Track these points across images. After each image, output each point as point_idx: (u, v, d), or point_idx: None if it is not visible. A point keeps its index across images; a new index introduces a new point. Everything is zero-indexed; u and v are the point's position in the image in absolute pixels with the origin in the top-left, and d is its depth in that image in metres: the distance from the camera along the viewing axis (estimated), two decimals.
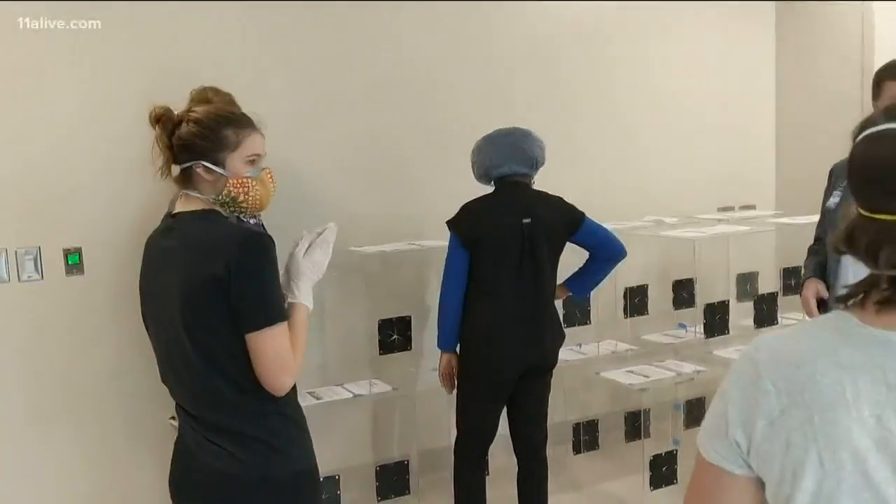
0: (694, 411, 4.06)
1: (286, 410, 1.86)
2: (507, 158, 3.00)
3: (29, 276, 3.15)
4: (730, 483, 1.04)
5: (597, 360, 3.91)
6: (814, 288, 2.75)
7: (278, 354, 1.76)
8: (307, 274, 1.91)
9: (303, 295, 1.88)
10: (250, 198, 1.88)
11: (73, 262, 3.22)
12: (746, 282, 4.18)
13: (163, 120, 1.87)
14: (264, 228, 3.15)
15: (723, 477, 1.04)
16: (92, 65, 3.20)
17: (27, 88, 3.10)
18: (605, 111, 4.37)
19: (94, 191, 3.22)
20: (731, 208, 4.70)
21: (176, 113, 1.89)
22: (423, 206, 3.77)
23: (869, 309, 0.98)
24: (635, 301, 3.96)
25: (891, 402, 0.92)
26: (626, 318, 3.99)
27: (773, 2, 4.91)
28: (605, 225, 3.25)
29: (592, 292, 3.91)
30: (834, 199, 2.81)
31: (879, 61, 4.31)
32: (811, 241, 2.99)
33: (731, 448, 1.03)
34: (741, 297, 4.14)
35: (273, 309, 1.75)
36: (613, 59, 4.38)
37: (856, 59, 4.34)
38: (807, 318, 2.73)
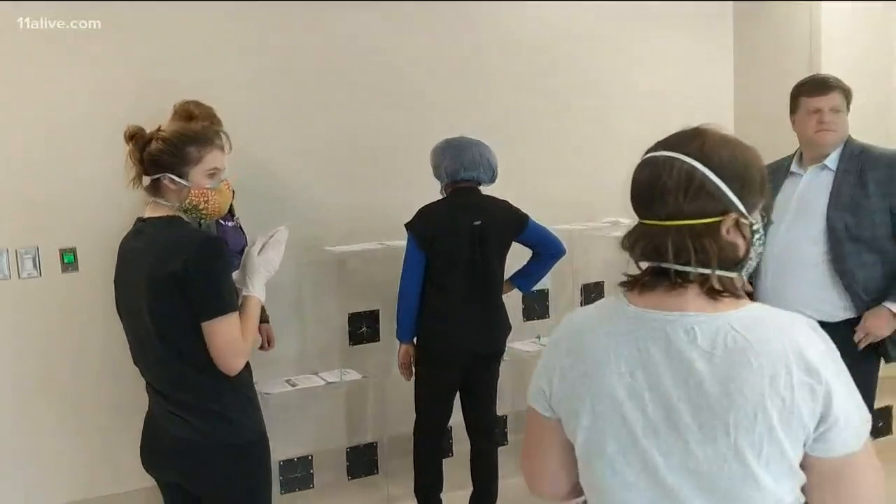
0: None
1: (239, 388, 2.16)
2: (477, 165, 3.29)
3: (28, 274, 3.48)
4: (542, 422, 1.38)
5: None
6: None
7: (229, 340, 2.05)
8: (260, 271, 2.20)
9: (255, 289, 2.18)
10: (210, 206, 2.17)
11: (69, 260, 3.55)
12: None
13: (135, 138, 2.17)
14: (242, 228, 3.47)
15: (537, 417, 1.38)
16: (89, 71, 3.50)
17: (27, 93, 3.41)
18: (572, 116, 4.66)
19: (88, 194, 3.52)
20: None
21: (147, 132, 2.20)
22: (393, 207, 4.06)
23: (635, 292, 1.30)
24: (591, 297, 4.25)
25: (640, 362, 1.24)
26: None
27: (732, 2, 5.19)
28: (565, 226, 3.54)
29: (553, 289, 4.22)
30: None
31: (826, 59, 4.61)
32: None
33: (541, 394, 1.36)
34: None
35: (224, 301, 2.04)
36: (581, 64, 4.66)
37: (805, 57, 4.63)
38: None
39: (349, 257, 3.94)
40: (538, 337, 4.21)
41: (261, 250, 2.23)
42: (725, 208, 1.23)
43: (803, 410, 1.17)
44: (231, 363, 2.08)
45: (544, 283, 4.06)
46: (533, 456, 1.42)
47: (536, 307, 4.19)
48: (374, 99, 4.11)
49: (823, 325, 1.28)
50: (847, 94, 2.97)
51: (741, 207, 1.24)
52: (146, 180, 2.17)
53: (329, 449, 4.00)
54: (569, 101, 4.67)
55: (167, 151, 2.13)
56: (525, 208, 3.43)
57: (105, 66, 3.53)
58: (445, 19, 4.26)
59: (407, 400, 3.51)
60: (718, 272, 1.23)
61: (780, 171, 3.04)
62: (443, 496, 3.51)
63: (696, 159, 1.24)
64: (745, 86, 5.13)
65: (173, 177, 2.13)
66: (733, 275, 1.26)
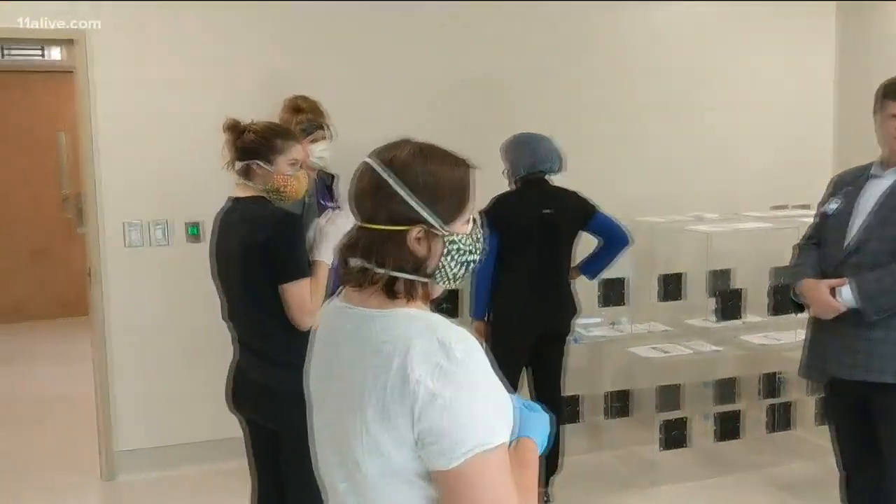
0: (724, 389, 4.46)
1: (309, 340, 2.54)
2: (550, 156, 3.57)
3: (158, 242, 4.05)
4: None
5: (632, 338, 4.37)
6: (823, 288, 2.83)
7: (301, 300, 2.43)
8: (328, 238, 2.55)
9: (323, 254, 2.54)
10: (289, 189, 2.56)
11: (193, 232, 4.10)
12: (781, 275, 4.51)
13: (232, 129, 2.59)
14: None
15: None
16: (215, 71, 4.06)
17: (186, 88, 4.03)
18: (671, 115, 4.85)
19: (209, 177, 3.98)
20: (784, 206, 5.01)
21: (242, 124, 2.60)
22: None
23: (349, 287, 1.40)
24: (669, 287, 4.38)
25: (326, 344, 1.40)
26: (659, 301, 4.42)
27: (835, 2, 5.17)
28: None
29: (633, 278, 4.40)
30: (832, 206, 3.06)
31: None
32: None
33: None
34: None
35: (297, 268, 2.42)
36: (679, 65, 4.83)
37: None
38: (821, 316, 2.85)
39: None
40: (612, 323, 4.41)
41: (328, 220, 2.59)
42: (415, 218, 1.29)
43: (395, 412, 1.21)
44: (301, 319, 2.44)
45: (623, 272, 4.24)
46: None
47: (613, 294, 4.36)
48: (460, 100, 4.46)
49: None
50: None
51: (430, 219, 1.30)
52: (238, 165, 2.57)
53: None
54: (664, 101, 4.83)
55: (258, 142, 2.54)
56: (612, 201, 3.69)
57: (229, 66, 4.07)
58: (540, 20, 4.54)
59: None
60: (400, 275, 1.30)
61: (862, 177, 3.01)
62: None
63: (387, 168, 1.30)
64: (848, 89, 5.09)
65: (261, 163, 2.53)
66: (422, 279, 1.32)
